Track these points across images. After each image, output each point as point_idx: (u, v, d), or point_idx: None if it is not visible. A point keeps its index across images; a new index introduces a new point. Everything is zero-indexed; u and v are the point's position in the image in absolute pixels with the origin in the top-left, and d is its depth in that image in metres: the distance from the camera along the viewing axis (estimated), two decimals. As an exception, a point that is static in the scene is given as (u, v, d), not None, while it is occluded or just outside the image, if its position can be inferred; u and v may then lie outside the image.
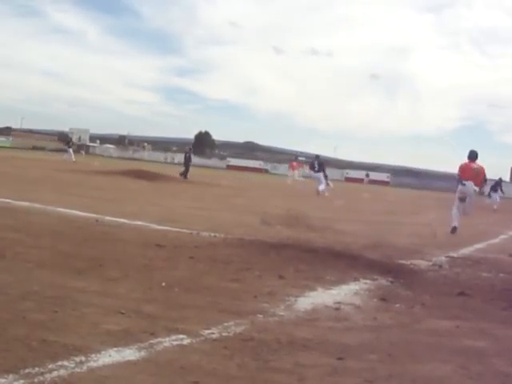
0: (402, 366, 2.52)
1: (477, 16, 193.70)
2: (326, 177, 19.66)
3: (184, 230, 6.35)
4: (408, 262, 5.43)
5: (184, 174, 21.03)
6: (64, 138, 32.89)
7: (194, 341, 2.60)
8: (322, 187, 18.06)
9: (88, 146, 59.81)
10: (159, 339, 2.57)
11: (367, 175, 48.59)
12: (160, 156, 58.63)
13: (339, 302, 3.58)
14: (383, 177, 54.43)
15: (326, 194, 17.93)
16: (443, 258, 5.95)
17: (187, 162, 22.05)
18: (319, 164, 18.84)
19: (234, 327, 2.87)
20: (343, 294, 3.85)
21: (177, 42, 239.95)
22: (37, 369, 2.09)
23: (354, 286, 4.12)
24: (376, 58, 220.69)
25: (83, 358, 2.24)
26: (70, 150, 29.79)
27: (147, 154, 60.81)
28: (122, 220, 6.87)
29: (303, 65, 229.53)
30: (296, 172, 26.56)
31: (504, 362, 2.65)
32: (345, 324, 3.14)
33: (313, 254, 5.22)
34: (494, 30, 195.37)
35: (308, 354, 2.55)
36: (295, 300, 3.55)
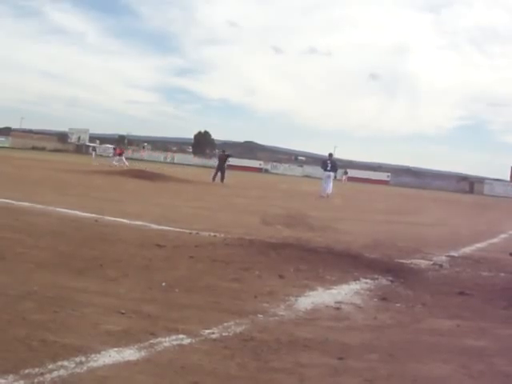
0: (402, 365, 2.51)
1: (476, 15, 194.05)
2: (335, 177, 19.56)
3: (184, 230, 6.34)
4: (408, 262, 5.42)
5: (221, 178, 20.21)
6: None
7: (194, 341, 2.60)
8: (330, 190, 17.76)
9: (88, 146, 59.80)
10: (159, 339, 2.56)
11: (346, 173, 46.86)
12: (160, 156, 58.69)
13: (340, 302, 3.58)
14: (383, 176, 54.43)
15: (326, 195, 17.63)
16: (444, 258, 5.95)
17: (222, 165, 21.06)
18: (332, 163, 18.27)
19: (234, 327, 2.86)
20: (344, 293, 3.85)
21: (176, 42, 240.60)
22: (37, 369, 2.09)
23: (354, 286, 4.12)
24: (375, 57, 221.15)
25: (83, 359, 2.23)
26: (119, 158, 29.77)
27: (147, 153, 60.82)
28: (122, 220, 6.86)
29: (302, 64, 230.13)
30: (117, 158, 31.12)
31: (505, 362, 2.65)
32: (345, 324, 3.14)
33: (313, 254, 5.22)
34: (493, 29, 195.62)
35: (308, 354, 2.55)
36: (295, 300, 3.54)
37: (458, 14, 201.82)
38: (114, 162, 29.43)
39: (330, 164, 18.17)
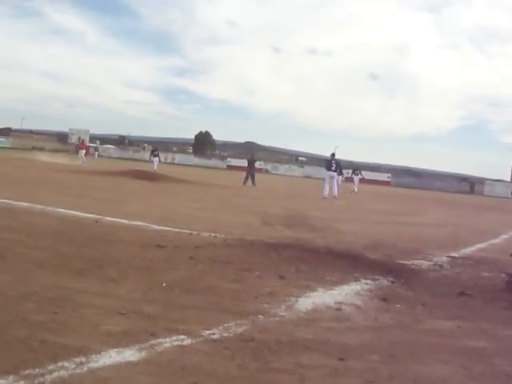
0: (403, 366, 2.51)
1: (476, 15, 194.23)
2: (357, 176, 19.99)
3: (184, 231, 6.34)
4: (409, 262, 5.42)
5: (252, 181, 20.53)
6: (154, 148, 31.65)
7: (194, 341, 2.60)
8: (335, 192, 17.77)
9: (88, 147, 59.72)
10: (160, 340, 2.56)
11: (341, 173, 44.97)
12: (160, 156, 58.56)
13: (340, 303, 3.57)
14: (384, 177, 54.43)
15: (333, 197, 17.68)
16: (444, 258, 5.95)
17: (251, 169, 21.48)
18: (337, 163, 18.17)
19: (234, 328, 2.86)
20: (344, 294, 3.85)
21: (176, 42, 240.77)
22: (37, 370, 2.08)
23: (354, 287, 4.11)
24: (375, 57, 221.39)
25: (83, 359, 2.23)
26: (155, 160, 28.34)
27: (147, 154, 60.82)
28: (122, 220, 6.86)
29: (303, 64, 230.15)
30: (82, 152, 30.09)
31: (505, 362, 2.65)
32: (346, 324, 3.13)
33: (313, 254, 5.21)
34: (493, 29, 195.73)
35: (309, 355, 2.54)
36: (296, 300, 3.54)
37: (457, 14, 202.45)
38: (80, 158, 28.79)
39: (334, 164, 18.07)
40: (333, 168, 17.92)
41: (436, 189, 46.93)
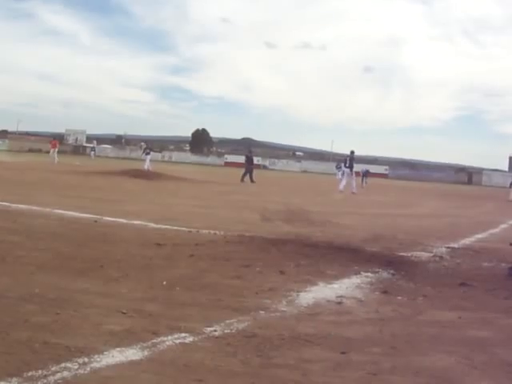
0: (405, 358, 2.52)
1: (468, 5, 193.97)
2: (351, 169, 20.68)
3: (183, 228, 6.34)
4: (409, 254, 5.43)
5: (250, 178, 20.69)
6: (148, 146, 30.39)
7: (196, 339, 2.60)
8: (341, 186, 18.30)
9: (85, 147, 59.62)
10: (162, 338, 2.56)
11: (339, 167, 44.19)
12: (157, 155, 58.53)
13: (341, 296, 3.58)
14: (381, 169, 54.41)
15: (342, 189, 18.13)
16: (444, 249, 5.96)
17: (249, 165, 21.73)
18: (350, 160, 19.27)
19: (236, 324, 2.86)
20: (345, 287, 3.85)
21: (169, 41, 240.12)
22: (40, 371, 2.08)
23: (355, 280, 4.12)
24: (369, 50, 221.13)
25: (86, 360, 2.23)
26: (147, 158, 26.57)
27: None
28: (122, 220, 6.86)
29: (297, 59, 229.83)
30: (55, 149, 29.79)
31: (507, 351, 2.65)
32: (347, 318, 3.14)
33: (313, 249, 5.22)
34: (485, 19, 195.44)
35: (311, 349, 2.55)
36: (297, 295, 3.55)
37: (449, 5, 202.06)
38: (51, 155, 28.65)
39: (348, 161, 19.19)
40: (346, 164, 19.12)
41: (434, 180, 47.02)
